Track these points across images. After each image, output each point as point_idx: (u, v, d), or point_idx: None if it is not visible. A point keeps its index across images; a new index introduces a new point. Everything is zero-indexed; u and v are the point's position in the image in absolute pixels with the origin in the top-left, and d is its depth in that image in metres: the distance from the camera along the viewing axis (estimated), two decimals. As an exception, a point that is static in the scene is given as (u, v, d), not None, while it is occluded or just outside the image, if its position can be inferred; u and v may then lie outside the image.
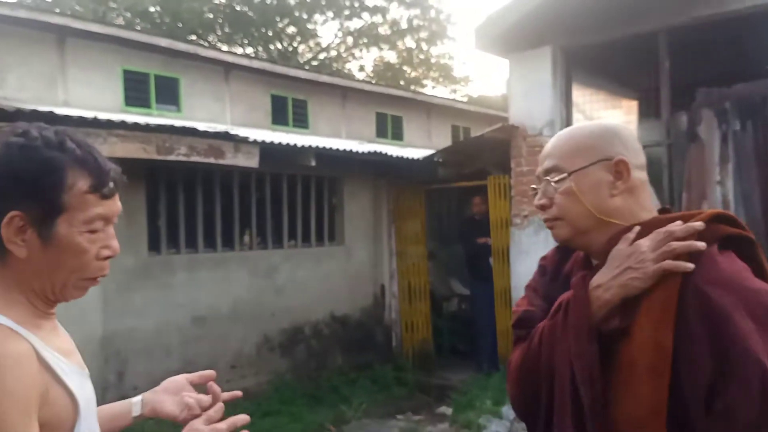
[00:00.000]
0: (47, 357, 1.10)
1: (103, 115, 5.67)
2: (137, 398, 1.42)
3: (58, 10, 14.16)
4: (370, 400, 6.52)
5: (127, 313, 5.69)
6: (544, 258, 1.53)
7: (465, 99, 20.54)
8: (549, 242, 6.59)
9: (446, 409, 6.39)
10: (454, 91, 24.40)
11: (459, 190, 8.26)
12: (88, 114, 5.30)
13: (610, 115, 7.36)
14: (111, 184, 1.14)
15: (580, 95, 6.87)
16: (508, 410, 5.88)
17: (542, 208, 1.36)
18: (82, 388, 1.17)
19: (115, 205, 1.16)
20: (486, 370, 6.95)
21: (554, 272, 1.46)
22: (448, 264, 9.18)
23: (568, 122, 6.48)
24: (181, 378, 1.44)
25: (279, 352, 6.89)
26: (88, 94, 8.31)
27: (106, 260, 1.16)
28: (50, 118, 4.71)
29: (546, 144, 1.39)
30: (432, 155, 7.58)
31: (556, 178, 1.32)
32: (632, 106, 8.04)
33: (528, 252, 6.53)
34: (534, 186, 1.40)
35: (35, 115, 4.63)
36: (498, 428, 5.65)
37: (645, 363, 1.16)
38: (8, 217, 1.07)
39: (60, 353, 1.15)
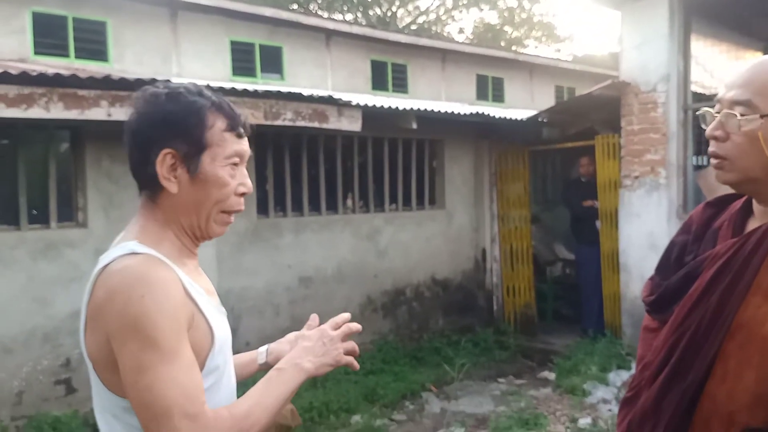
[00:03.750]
0: (190, 290, 1.20)
1: (213, 84, 5.93)
2: (263, 348, 1.55)
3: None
4: (472, 362, 6.55)
5: (240, 273, 5.99)
6: (689, 216, 1.40)
7: (569, 58, 19.69)
8: (661, 203, 6.24)
9: (549, 374, 6.30)
10: (558, 51, 23.46)
11: (564, 151, 7.98)
12: (201, 83, 5.54)
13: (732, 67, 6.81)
14: (242, 127, 1.27)
15: (699, 46, 6.40)
16: (614, 376, 5.72)
17: (715, 139, 1.22)
18: (220, 324, 1.26)
19: (247, 145, 1.29)
20: (591, 335, 6.79)
21: (701, 229, 1.34)
22: (553, 228, 8.96)
23: (685, 76, 6.08)
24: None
25: (382, 313, 7.04)
26: (199, 66, 8.70)
27: (242, 197, 1.29)
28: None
29: (737, 69, 1.21)
30: (536, 115, 7.35)
31: (745, 116, 1.16)
32: (758, 57, 7.41)
33: (639, 214, 6.27)
34: (710, 109, 1.24)
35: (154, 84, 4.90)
36: (604, 395, 5.51)
37: None
38: (162, 154, 1.20)
39: (202, 290, 1.26)
